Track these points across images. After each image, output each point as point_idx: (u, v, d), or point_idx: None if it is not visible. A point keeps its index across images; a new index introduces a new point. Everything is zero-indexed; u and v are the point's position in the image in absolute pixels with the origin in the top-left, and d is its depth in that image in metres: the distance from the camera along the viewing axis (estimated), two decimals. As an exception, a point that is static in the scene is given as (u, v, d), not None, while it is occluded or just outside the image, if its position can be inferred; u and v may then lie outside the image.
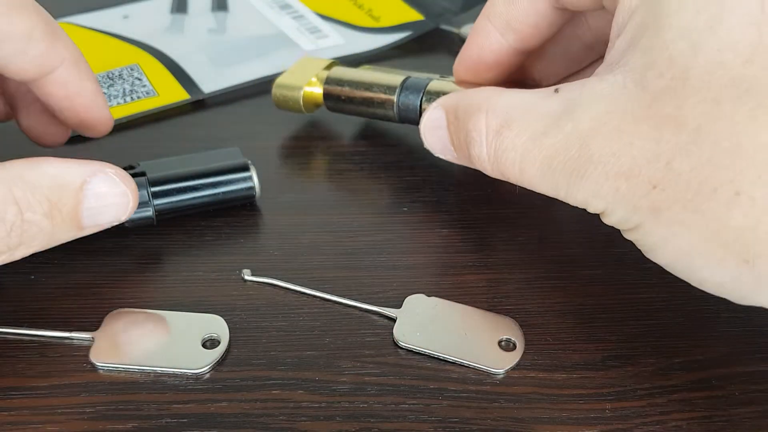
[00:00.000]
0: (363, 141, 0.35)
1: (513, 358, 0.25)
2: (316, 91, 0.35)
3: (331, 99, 0.35)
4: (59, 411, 0.23)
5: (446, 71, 0.41)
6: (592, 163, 0.22)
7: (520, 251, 0.30)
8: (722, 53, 0.21)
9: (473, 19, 0.43)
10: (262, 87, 0.39)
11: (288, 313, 0.27)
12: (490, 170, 0.25)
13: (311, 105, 0.35)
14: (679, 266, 0.23)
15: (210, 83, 0.39)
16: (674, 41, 0.21)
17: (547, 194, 0.24)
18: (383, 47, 0.42)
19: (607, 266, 0.29)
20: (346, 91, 0.34)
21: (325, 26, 0.43)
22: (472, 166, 0.26)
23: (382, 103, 0.33)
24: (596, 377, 0.25)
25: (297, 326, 0.27)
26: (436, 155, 0.28)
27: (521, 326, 0.26)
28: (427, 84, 0.32)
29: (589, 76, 0.24)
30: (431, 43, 0.43)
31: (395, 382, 0.25)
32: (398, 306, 0.27)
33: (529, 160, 0.24)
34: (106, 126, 0.30)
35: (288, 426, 0.23)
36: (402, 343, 0.26)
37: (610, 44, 0.24)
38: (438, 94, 0.32)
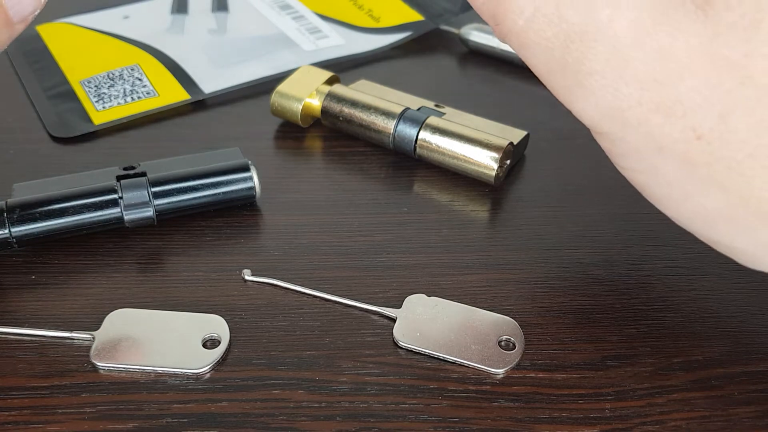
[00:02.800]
0: (363, 141, 0.35)
1: (513, 358, 0.25)
2: (315, 104, 0.35)
3: (328, 116, 0.35)
4: (60, 411, 0.24)
5: (446, 71, 0.41)
6: (624, 76, 0.19)
7: (520, 251, 0.30)
8: None
9: (473, 20, 0.43)
10: (262, 87, 0.39)
11: (288, 313, 0.27)
12: (481, 2, 0.22)
13: (308, 118, 0.36)
14: (695, 225, 0.21)
15: (210, 83, 0.39)
16: None
17: (537, 73, 0.21)
18: (383, 47, 0.42)
19: (607, 266, 0.29)
20: (345, 111, 0.34)
21: (325, 26, 0.43)
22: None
23: (379, 131, 0.34)
24: (596, 377, 0.25)
25: (297, 326, 0.27)
26: None
27: (521, 326, 0.26)
28: (426, 118, 0.33)
29: None
30: (431, 43, 0.43)
31: (395, 382, 0.25)
32: (398, 306, 0.27)
33: (542, 22, 0.20)
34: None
35: (288, 426, 0.23)
36: (402, 343, 0.26)
37: None
38: (436, 129, 0.33)
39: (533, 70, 0.22)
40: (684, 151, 0.19)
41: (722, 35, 0.18)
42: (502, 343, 0.26)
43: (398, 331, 0.26)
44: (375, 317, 0.27)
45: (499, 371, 0.25)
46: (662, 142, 0.19)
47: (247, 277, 0.28)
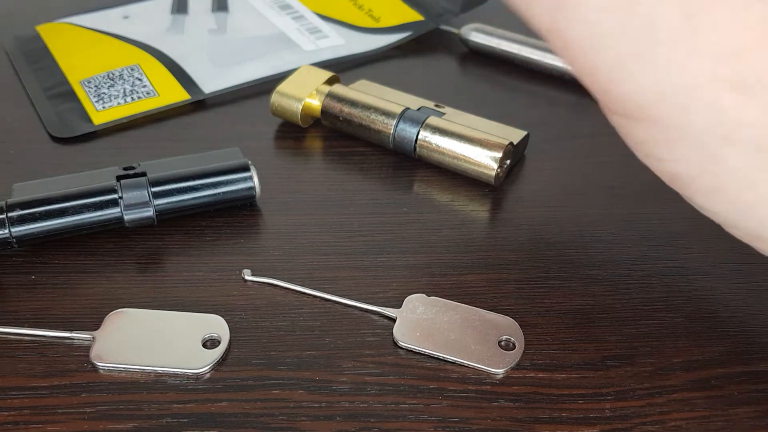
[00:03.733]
0: (363, 141, 0.35)
1: (513, 358, 0.25)
2: (315, 104, 0.35)
3: (328, 116, 0.35)
4: (60, 411, 0.24)
5: (445, 71, 0.41)
6: (698, 48, 0.16)
7: (520, 251, 0.30)
8: None
9: (473, 20, 0.43)
10: (262, 87, 0.39)
11: (288, 313, 0.27)
12: None
13: (308, 118, 0.36)
14: (743, 216, 0.19)
15: (210, 83, 0.39)
16: None
17: (586, 46, 0.18)
18: (383, 47, 0.42)
19: (607, 266, 0.29)
20: (345, 111, 0.35)
21: (325, 26, 0.43)
22: None
23: (379, 131, 0.34)
24: (596, 377, 0.25)
25: (297, 326, 0.27)
26: None
27: (521, 326, 0.26)
28: (426, 118, 0.33)
29: None
30: (431, 43, 0.43)
31: (395, 382, 0.25)
32: (398, 306, 0.27)
33: None
34: None
35: (288, 426, 0.23)
36: (402, 343, 0.26)
37: None
38: (436, 129, 0.33)
39: (577, 48, 0.18)
40: (760, 136, 0.17)
41: None
42: (502, 343, 0.26)
43: (398, 331, 0.26)
44: (375, 317, 0.27)
45: (499, 371, 0.25)
46: (734, 125, 0.17)
47: (247, 277, 0.28)
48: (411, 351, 0.26)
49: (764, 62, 0.16)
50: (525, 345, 0.26)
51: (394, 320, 0.26)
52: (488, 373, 0.25)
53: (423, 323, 0.26)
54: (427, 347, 0.26)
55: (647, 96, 0.18)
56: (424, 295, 0.27)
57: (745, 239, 0.21)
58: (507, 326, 0.26)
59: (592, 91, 0.19)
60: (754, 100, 0.17)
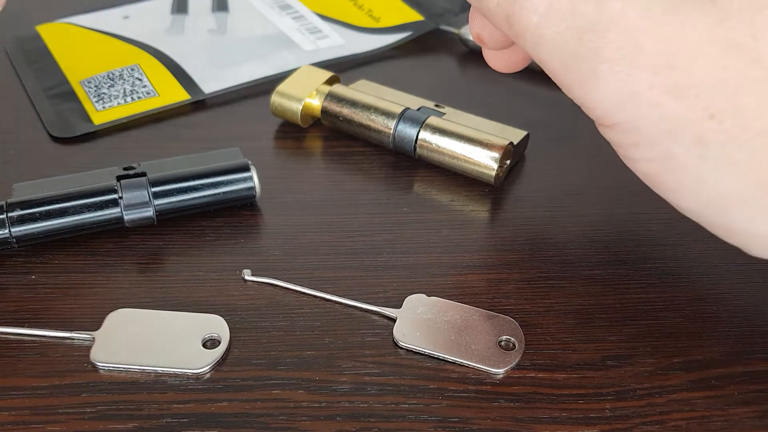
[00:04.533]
0: (363, 141, 0.35)
1: (513, 358, 0.25)
2: (315, 104, 0.35)
3: (328, 116, 0.35)
4: (60, 411, 0.24)
5: (446, 71, 0.41)
6: (636, 62, 0.19)
7: (520, 251, 0.30)
8: None
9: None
10: (262, 87, 0.39)
11: (288, 313, 0.27)
12: (496, 6, 0.22)
13: (308, 118, 0.36)
14: (710, 212, 0.21)
15: (210, 83, 0.39)
16: None
17: (550, 72, 0.22)
18: (383, 47, 0.42)
19: (607, 266, 0.29)
20: (345, 111, 0.34)
21: (325, 26, 0.43)
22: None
23: (379, 131, 0.34)
24: (596, 377, 0.25)
25: (297, 326, 0.27)
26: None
27: (521, 326, 0.26)
28: (426, 118, 0.33)
29: None
30: (431, 43, 0.43)
31: (395, 382, 0.25)
32: (398, 306, 0.27)
33: (549, 22, 0.21)
34: None
35: (288, 426, 0.23)
36: (402, 343, 0.26)
37: None
38: (436, 129, 0.33)
39: (546, 67, 0.22)
40: (697, 132, 0.19)
41: (729, 20, 0.19)
42: (502, 343, 0.26)
43: (398, 331, 0.26)
44: (375, 317, 0.27)
45: (499, 371, 0.25)
46: (675, 124, 0.19)
47: (247, 277, 0.28)
48: (411, 351, 0.26)
49: (695, 71, 0.19)
50: (525, 345, 0.26)
51: (394, 320, 0.26)
52: (488, 373, 0.25)
53: (423, 323, 0.26)
54: (427, 347, 0.26)
55: (605, 104, 0.21)
56: (424, 295, 0.27)
57: (725, 237, 0.22)
58: (507, 326, 0.26)
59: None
60: (689, 100, 0.19)
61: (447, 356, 0.25)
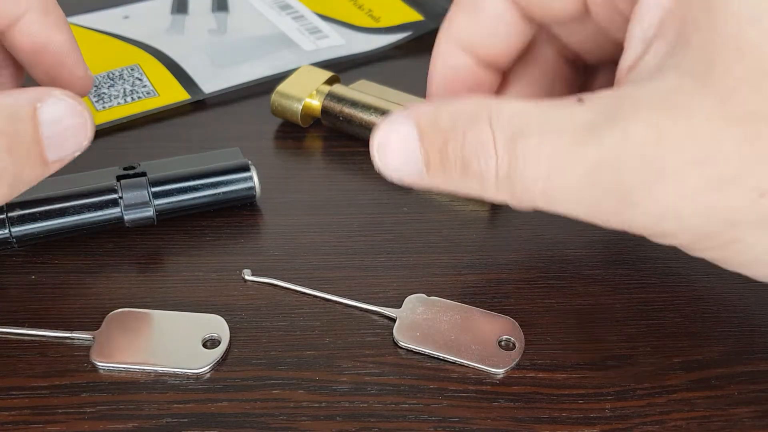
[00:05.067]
0: (363, 141, 0.35)
1: (513, 357, 0.25)
2: (315, 104, 0.35)
3: (328, 116, 0.35)
4: (60, 411, 0.24)
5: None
6: (665, 177, 0.19)
7: (520, 251, 0.30)
8: None
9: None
10: (262, 87, 0.39)
11: (288, 313, 0.27)
12: (495, 190, 0.21)
13: (308, 118, 0.36)
14: None
15: (210, 83, 0.39)
16: (741, 30, 0.19)
17: (579, 218, 0.21)
18: (383, 47, 0.42)
19: (607, 266, 0.29)
20: (345, 111, 0.34)
21: (325, 26, 0.43)
22: (459, 190, 0.22)
23: None
24: (596, 377, 0.25)
25: (297, 326, 0.27)
26: (391, 177, 0.23)
27: (521, 326, 0.26)
28: None
29: (577, 98, 0.21)
30: (431, 43, 0.43)
31: (395, 382, 0.25)
32: (398, 306, 0.27)
33: (561, 174, 0.20)
34: (83, 85, 0.27)
35: (288, 426, 0.23)
36: (402, 343, 0.26)
37: (631, 52, 0.21)
38: None
39: (571, 216, 0.21)
40: (754, 214, 0.19)
41: (733, 95, 0.19)
42: (502, 343, 0.26)
43: (398, 331, 0.26)
44: (375, 317, 0.27)
45: (499, 371, 0.25)
46: (729, 213, 0.19)
47: (247, 277, 0.28)
48: (411, 351, 0.26)
49: (722, 157, 0.19)
50: (525, 345, 0.26)
51: (394, 320, 0.26)
52: (488, 373, 0.25)
53: (423, 323, 0.26)
54: (427, 347, 0.26)
55: (650, 223, 0.20)
56: (424, 295, 0.27)
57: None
58: (507, 326, 0.26)
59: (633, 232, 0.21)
60: (735, 188, 0.19)
61: (447, 356, 0.25)
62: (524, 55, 0.26)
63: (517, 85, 0.27)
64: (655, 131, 0.19)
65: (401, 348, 0.26)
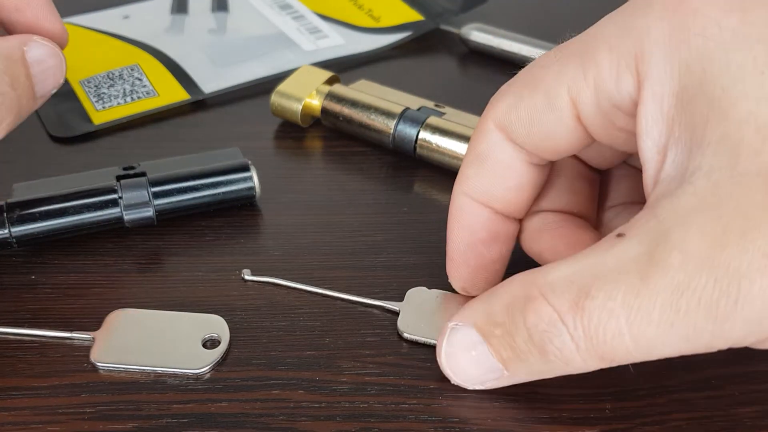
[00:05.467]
0: (363, 141, 0.35)
1: None
2: (315, 104, 0.35)
3: (328, 116, 0.35)
4: (60, 411, 0.24)
5: (445, 71, 0.41)
6: (746, 283, 0.18)
7: (520, 251, 0.30)
8: None
9: (473, 20, 0.43)
10: (262, 87, 0.39)
11: (288, 313, 0.27)
12: (582, 361, 0.20)
13: (308, 118, 0.36)
14: None
15: (210, 83, 0.39)
16: (754, 109, 0.19)
17: (686, 352, 0.20)
18: (383, 47, 0.42)
19: (607, 266, 0.29)
20: (345, 111, 0.34)
21: (325, 26, 0.43)
22: (546, 374, 0.22)
23: (379, 131, 0.34)
24: (596, 377, 0.25)
25: (297, 326, 0.27)
26: (473, 387, 0.24)
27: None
28: (426, 118, 0.33)
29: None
30: (431, 43, 0.43)
31: (395, 382, 0.25)
32: (400, 301, 0.27)
33: (641, 319, 0.19)
34: (61, 39, 0.29)
35: (288, 426, 0.23)
36: (406, 335, 0.26)
37: (649, 166, 0.21)
38: (436, 129, 0.33)
39: (679, 354, 0.20)
40: None
41: None
42: None
43: (402, 323, 0.26)
44: (375, 318, 0.27)
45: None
46: None
47: (246, 277, 0.28)
48: (415, 343, 0.26)
49: None
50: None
51: (396, 314, 0.27)
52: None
53: (426, 314, 0.26)
54: (433, 337, 0.26)
55: (750, 330, 0.19)
56: (425, 288, 0.28)
57: None
58: None
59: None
60: None
61: None
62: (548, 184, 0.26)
63: (543, 201, 0.27)
64: (711, 240, 0.18)
65: (406, 340, 0.26)
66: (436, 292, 0.27)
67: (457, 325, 0.22)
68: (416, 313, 0.27)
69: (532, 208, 0.26)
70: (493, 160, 0.24)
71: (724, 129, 0.19)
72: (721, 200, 0.18)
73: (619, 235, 0.20)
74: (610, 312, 0.19)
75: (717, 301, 0.18)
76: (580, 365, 0.20)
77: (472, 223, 0.25)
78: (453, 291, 0.27)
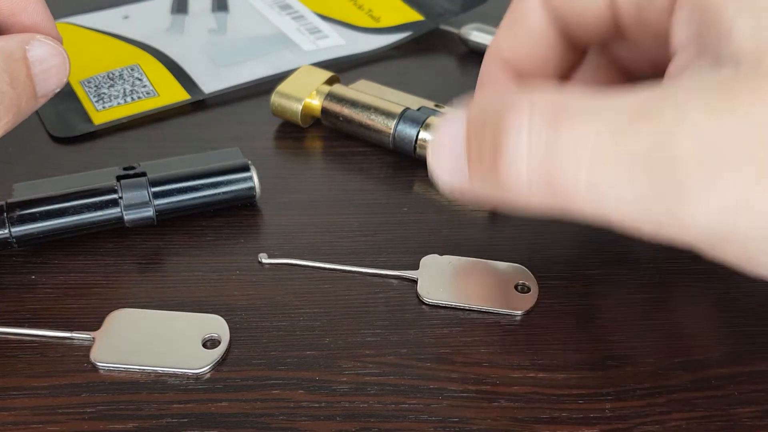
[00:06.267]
0: (363, 141, 0.35)
1: (529, 301, 0.27)
2: (315, 104, 0.35)
3: (329, 116, 0.35)
4: (60, 411, 0.24)
5: (446, 71, 0.41)
6: (731, 164, 0.16)
7: (519, 251, 0.30)
8: None
9: (473, 20, 0.43)
10: (262, 87, 0.39)
11: (288, 313, 0.27)
12: (527, 180, 0.18)
13: (308, 118, 0.36)
14: None
15: (210, 83, 0.39)
16: None
17: (625, 225, 0.18)
18: (383, 47, 0.42)
19: (607, 266, 0.29)
20: (345, 111, 0.34)
21: (325, 26, 0.43)
22: (495, 192, 0.20)
23: (379, 131, 0.34)
24: (596, 377, 0.25)
25: (297, 326, 0.27)
26: (443, 186, 0.22)
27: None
28: (426, 118, 0.33)
29: None
30: (431, 43, 0.43)
31: (395, 382, 0.25)
32: (415, 268, 0.28)
33: (607, 162, 0.17)
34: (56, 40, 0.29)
35: (288, 426, 0.23)
36: (427, 300, 0.27)
37: (679, 56, 0.20)
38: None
39: (614, 220, 0.19)
40: None
41: None
42: (519, 288, 0.28)
43: (422, 289, 0.27)
44: (374, 317, 0.27)
45: (518, 313, 0.27)
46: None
47: (264, 260, 0.29)
48: (436, 306, 0.27)
49: None
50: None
51: (415, 282, 0.28)
52: (511, 317, 0.25)
53: (443, 279, 0.28)
54: (452, 300, 0.27)
55: (708, 223, 0.17)
56: (437, 255, 0.29)
57: None
58: (520, 273, 0.28)
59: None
60: None
61: (473, 306, 0.27)
62: (578, 69, 0.27)
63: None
64: (718, 115, 0.17)
65: (426, 305, 0.27)
66: (448, 258, 0.29)
67: (454, 113, 0.20)
68: (434, 278, 0.28)
69: None
70: (527, 24, 0.25)
71: (755, 24, 0.18)
72: (743, 87, 0.17)
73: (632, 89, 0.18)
74: (576, 145, 0.17)
75: (688, 180, 0.17)
76: (525, 191, 0.19)
77: (495, 82, 0.26)
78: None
